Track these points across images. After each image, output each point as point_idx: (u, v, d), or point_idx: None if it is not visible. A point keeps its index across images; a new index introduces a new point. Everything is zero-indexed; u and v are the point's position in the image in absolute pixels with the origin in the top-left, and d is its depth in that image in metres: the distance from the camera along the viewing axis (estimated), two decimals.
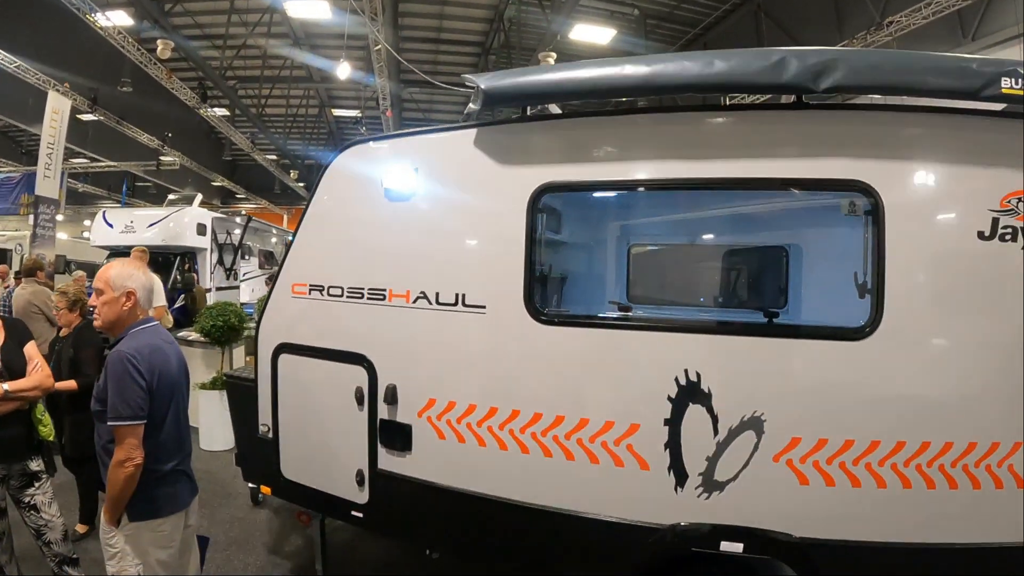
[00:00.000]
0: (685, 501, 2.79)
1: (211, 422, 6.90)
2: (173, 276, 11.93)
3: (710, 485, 2.77)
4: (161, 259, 11.87)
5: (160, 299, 7.54)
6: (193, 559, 3.23)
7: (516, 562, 3.32)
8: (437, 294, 3.19)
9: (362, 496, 3.51)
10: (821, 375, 2.71)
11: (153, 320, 2.98)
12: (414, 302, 3.26)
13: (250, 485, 5.40)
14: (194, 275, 12.15)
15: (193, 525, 3.15)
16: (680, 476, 2.79)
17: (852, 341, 2.67)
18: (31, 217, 13.16)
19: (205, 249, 12.55)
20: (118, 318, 2.84)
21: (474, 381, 3.16)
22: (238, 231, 14.18)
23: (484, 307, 3.08)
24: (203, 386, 7.01)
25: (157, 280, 4.74)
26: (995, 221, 2.58)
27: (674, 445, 2.77)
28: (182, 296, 11.30)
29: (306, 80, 20.04)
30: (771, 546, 2.76)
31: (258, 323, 3.93)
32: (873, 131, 2.77)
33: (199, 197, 13.47)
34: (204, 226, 12.55)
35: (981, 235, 2.59)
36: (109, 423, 2.66)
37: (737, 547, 2.77)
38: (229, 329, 6.84)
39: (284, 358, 3.75)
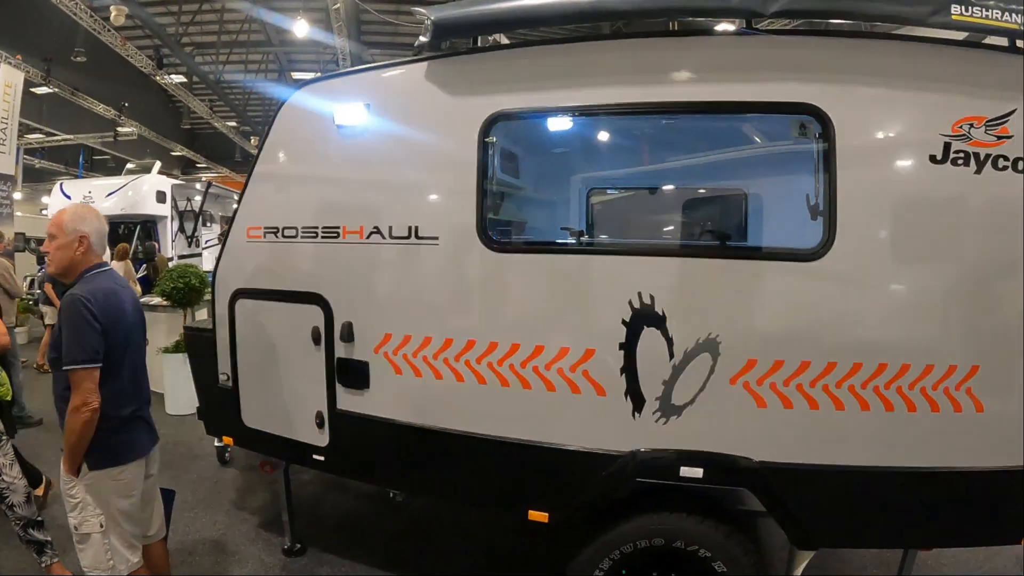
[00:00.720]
0: (643, 427, 2.82)
1: (176, 386, 6.88)
2: (134, 246, 11.73)
3: (668, 409, 2.80)
4: (122, 229, 11.68)
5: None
6: (157, 511, 3.23)
7: (477, 497, 3.37)
8: (390, 228, 3.18)
9: (322, 439, 3.52)
10: (775, 297, 2.74)
11: (107, 265, 2.94)
12: (368, 238, 3.25)
13: (216, 444, 5.48)
14: (155, 244, 11.95)
15: (155, 475, 3.16)
16: (637, 401, 2.82)
17: (805, 262, 2.70)
18: None
19: (165, 217, 12.37)
20: (71, 263, 2.81)
21: (429, 313, 3.17)
22: (199, 198, 13.95)
23: (437, 239, 3.07)
24: (166, 350, 6.99)
25: None
26: (947, 145, 2.61)
27: (630, 370, 2.80)
28: (143, 266, 11.14)
29: (265, 44, 19.65)
30: (731, 471, 2.81)
31: (214, 270, 3.91)
32: (823, 56, 2.78)
33: (158, 164, 13.25)
34: (163, 193, 12.34)
35: (933, 159, 2.62)
36: (64, 367, 2.63)
37: (697, 472, 2.81)
38: (190, 290, 6.78)
39: (241, 303, 3.74)
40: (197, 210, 13.77)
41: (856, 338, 2.71)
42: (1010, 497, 2.78)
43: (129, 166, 14.28)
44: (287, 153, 3.67)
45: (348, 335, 3.32)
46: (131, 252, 11.44)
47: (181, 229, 13.16)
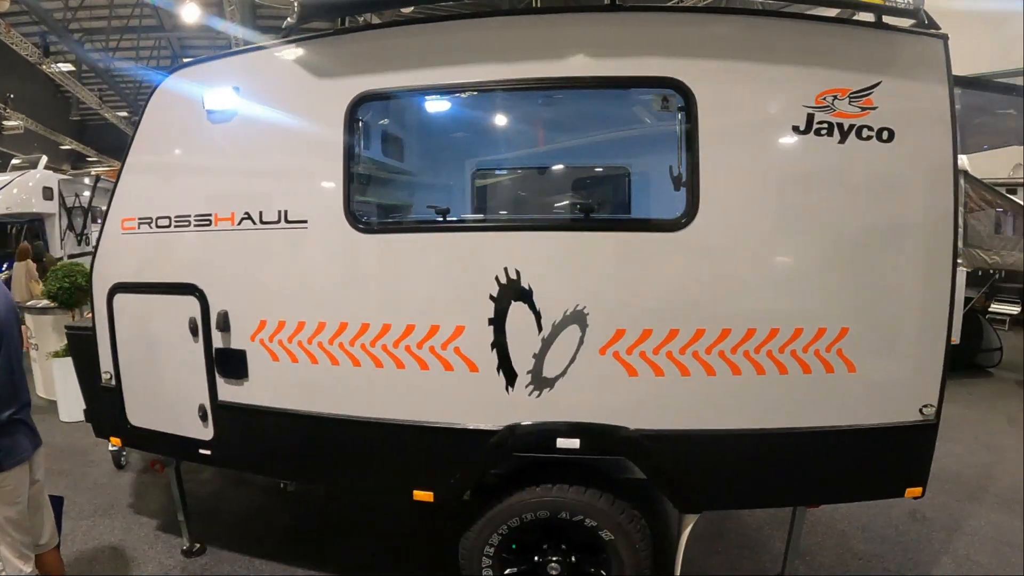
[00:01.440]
0: (517, 401, 2.93)
1: (68, 392, 6.63)
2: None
3: (540, 382, 2.91)
4: (10, 229, 11.13)
5: None
6: (48, 519, 3.17)
7: (361, 482, 3.43)
8: (261, 213, 3.18)
9: (207, 432, 3.51)
10: (641, 266, 2.87)
11: None
12: (239, 224, 3.24)
13: (110, 448, 5.37)
14: (42, 244, 11.42)
15: (42, 481, 3.09)
16: (510, 376, 2.92)
17: (669, 232, 2.84)
18: None
19: (53, 214, 11.78)
20: None
21: (301, 298, 3.19)
22: (88, 193, 13.35)
23: (306, 222, 3.10)
24: (56, 354, 6.73)
25: None
26: (810, 117, 2.78)
27: (500, 345, 2.90)
28: (6, 267, 10.62)
29: (157, 30, 18.94)
30: (608, 440, 2.95)
31: (91, 264, 3.83)
32: (686, 31, 2.91)
33: (44, 159, 12.58)
34: (51, 190, 11.75)
35: (796, 129, 2.78)
36: None
37: (574, 443, 2.94)
38: (77, 290, 6.55)
39: (119, 298, 3.67)
40: (86, 206, 13.17)
41: (723, 305, 2.87)
42: (889, 452, 3.03)
43: (14, 162, 13.47)
44: (159, 141, 3.60)
45: (224, 324, 3.32)
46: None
47: (70, 227, 12.57)
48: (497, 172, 4.54)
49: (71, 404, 6.60)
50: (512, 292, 2.86)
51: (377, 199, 3.97)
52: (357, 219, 3.03)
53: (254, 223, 3.22)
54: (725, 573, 3.97)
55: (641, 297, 2.87)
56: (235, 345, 3.33)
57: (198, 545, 4.24)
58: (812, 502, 3.35)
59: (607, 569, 3.22)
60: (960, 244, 7.45)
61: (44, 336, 7.43)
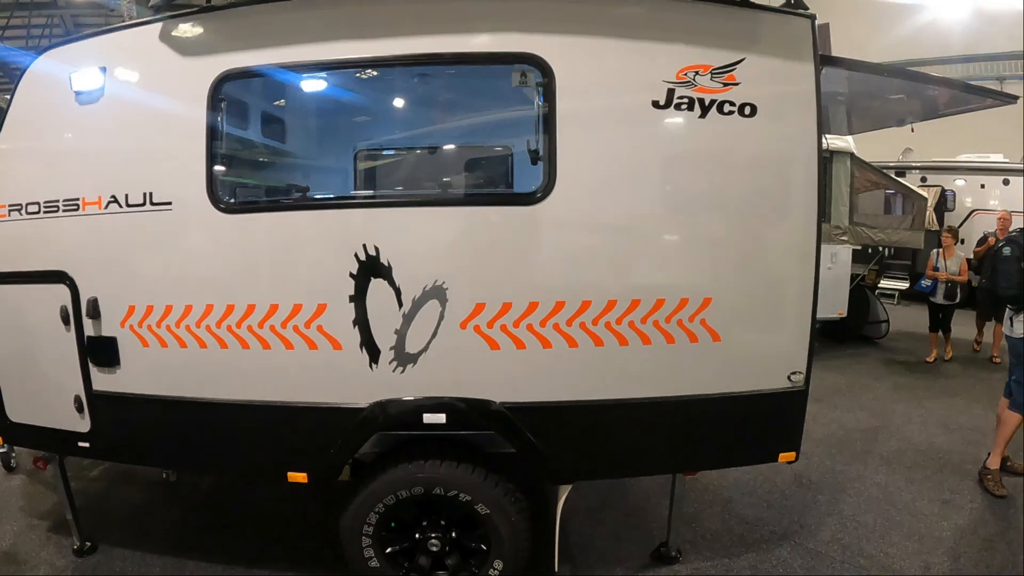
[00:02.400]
0: (382, 377, 3.01)
1: None
2: None
3: (403, 358, 3.00)
4: None
5: None
6: None
7: (236, 467, 3.49)
8: (127, 196, 3.19)
9: (84, 423, 3.52)
10: (498, 240, 2.97)
11: None
12: (106, 207, 3.25)
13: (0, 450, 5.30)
14: None
15: None
16: (373, 352, 3.00)
17: (527, 206, 2.94)
18: None
19: None
20: None
21: (167, 281, 3.22)
22: None
23: (171, 203, 3.12)
24: None
25: None
26: (670, 91, 2.89)
27: (362, 321, 2.97)
28: None
29: (48, 6, 18.34)
30: (473, 415, 3.06)
31: None
32: (546, 6, 2.99)
33: None
34: None
35: (656, 104, 2.90)
36: None
37: (440, 418, 3.04)
38: None
39: None
40: None
41: (583, 277, 2.98)
42: (759, 418, 3.18)
43: None
44: (29, 125, 3.56)
45: (94, 312, 3.33)
46: None
47: None
48: (383, 154, 4.60)
49: None
50: (371, 269, 2.94)
51: (250, 180, 4.00)
52: (219, 200, 3.06)
53: (120, 206, 3.23)
54: (611, 542, 4.11)
55: (499, 271, 2.98)
56: (106, 332, 3.34)
57: (88, 544, 4.22)
58: (686, 469, 3.48)
59: (486, 543, 3.32)
60: (846, 222, 7.81)
61: None
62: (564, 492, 3.29)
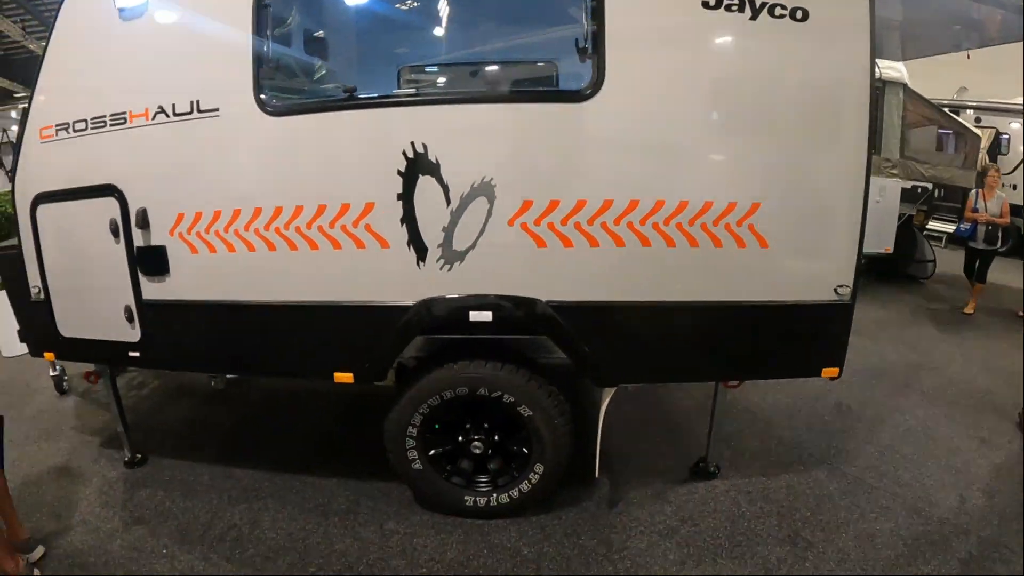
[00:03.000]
0: (429, 275, 3.08)
1: (8, 328, 6.73)
2: None
3: (450, 256, 3.06)
4: None
5: None
6: None
7: (285, 367, 3.60)
8: (173, 106, 3.26)
9: (134, 334, 3.65)
10: (547, 137, 2.99)
11: None
12: (153, 119, 3.32)
13: (51, 374, 5.52)
14: None
15: None
16: (420, 250, 3.07)
17: (575, 103, 2.95)
18: None
19: None
20: None
21: (215, 187, 3.31)
22: (15, 127, 13.09)
23: (217, 109, 3.19)
24: None
25: None
26: None
27: (410, 219, 3.04)
28: None
29: None
30: (519, 312, 3.11)
31: (12, 178, 3.90)
32: None
33: None
34: None
35: (705, 4, 2.86)
36: None
37: (486, 316, 3.11)
38: (7, 220, 6.58)
39: (42, 209, 3.75)
40: (14, 141, 12.96)
41: (631, 176, 2.99)
42: (804, 330, 3.19)
43: None
44: (73, 46, 3.63)
45: (143, 222, 3.42)
46: None
47: (0, 164, 12.36)
48: (426, 71, 4.61)
49: (10, 340, 6.70)
50: (419, 166, 2.99)
51: (296, 84, 4.04)
52: (266, 103, 3.12)
53: (167, 116, 3.30)
54: (650, 456, 4.19)
55: (547, 168, 3.01)
56: (155, 241, 3.44)
57: (139, 456, 4.42)
58: (727, 378, 3.52)
59: (528, 446, 3.42)
60: (897, 155, 7.66)
61: None
62: (607, 396, 3.35)
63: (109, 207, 3.50)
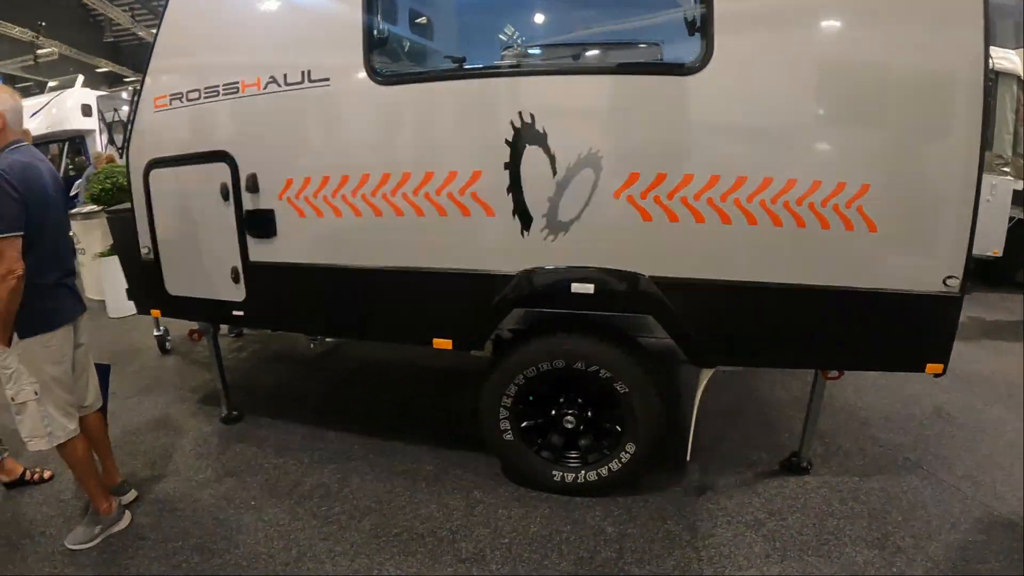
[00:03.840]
0: (533, 245, 3.11)
1: (115, 289, 7.13)
2: (64, 164, 11.73)
3: (555, 226, 3.08)
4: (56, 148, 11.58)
5: None
6: (92, 383, 3.51)
7: (385, 331, 3.69)
8: (285, 76, 3.37)
9: (239, 293, 3.81)
10: (654, 109, 2.96)
11: (24, 142, 3.09)
12: (265, 88, 3.44)
13: (155, 334, 5.81)
14: (84, 159, 11.92)
15: (86, 345, 3.42)
16: (525, 220, 3.09)
17: (683, 76, 2.91)
18: None
19: (93, 130, 12.23)
20: None
21: (324, 154, 3.42)
22: (127, 108, 13.70)
23: (328, 79, 3.28)
24: (103, 254, 7.20)
25: None
26: None
27: (516, 188, 3.06)
28: (77, 184, 11.13)
29: None
30: (621, 286, 3.09)
31: (126, 146, 4.09)
32: None
33: (81, 78, 12.99)
34: (89, 106, 12.20)
35: None
36: None
37: (588, 288, 3.09)
38: (119, 191, 6.89)
39: (154, 174, 3.94)
40: (127, 119, 13.57)
41: (739, 152, 2.92)
42: (909, 321, 3.04)
43: (51, 84, 13.96)
44: (187, 17, 3.80)
45: (253, 186, 3.56)
46: (61, 169, 11.47)
47: (111, 141, 12.98)
48: (529, 54, 4.62)
49: (118, 301, 7.12)
50: (527, 136, 3.00)
51: (406, 55, 4.12)
52: (376, 72, 3.19)
53: (279, 86, 3.41)
54: (741, 446, 4.14)
55: (654, 141, 2.97)
56: (263, 205, 3.58)
57: (235, 413, 4.62)
58: (829, 366, 3.40)
59: (621, 424, 3.42)
60: (1009, 152, 7.21)
61: (90, 240, 7.94)
62: (704, 378, 3.31)
63: (220, 172, 3.65)
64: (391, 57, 3.64)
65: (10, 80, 24.76)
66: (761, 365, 4.16)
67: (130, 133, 4.06)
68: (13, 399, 3.12)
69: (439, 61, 4.42)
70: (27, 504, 3.76)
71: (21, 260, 2.86)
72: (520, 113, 3.00)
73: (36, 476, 3.95)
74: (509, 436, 3.50)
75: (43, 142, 11.92)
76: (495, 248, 3.18)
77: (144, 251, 4.13)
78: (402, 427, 4.40)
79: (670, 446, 3.56)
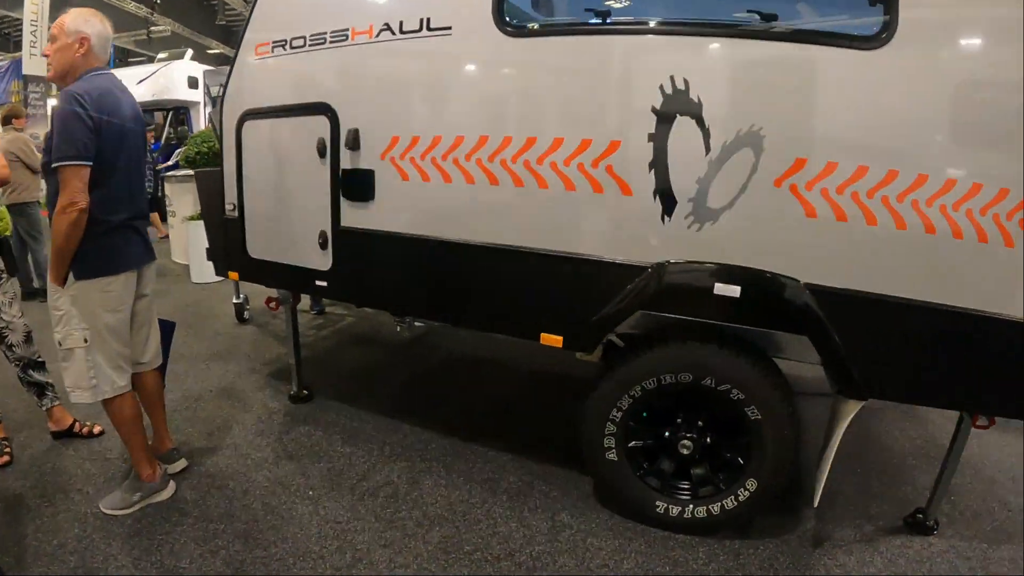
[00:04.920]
0: (674, 233, 2.59)
1: (201, 256, 7.04)
2: (166, 132, 11.90)
3: (702, 214, 2.55)
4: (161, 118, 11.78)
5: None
6: (153, 339, 3.22)
7: (486, 318, 3.23)
8: (401, 23, 3.00)
9: (325, 262, 3.46)
10: (829, 86, 2.41)
11: (108, 69, 2.84)
12: (377, 36, 3.08)
13: (234, 301, 5.62)
14: (186, 129, 12.11)
15: (150, 297, 3.13)
16: (668, 203, 2.58)
17: (864, 51, 2.35)
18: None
19: (198, 103, 12.38)
20: (71, 65, 2.73)
21: (439, 110, 3.01)
22: None
23: (450, 28, 2.87)
24: (191, 218, 7.15)
25: None
26: None
27: (660, 165, 2.56)
28: (177, 152, 11.24)
29: None
30: (772, 292, 2.54)
31: (222, 96, 3.83)
32: None
33: (190, 51, 13.23)
34: (195, 79, 12.36)
35: None
36: (53, 164, 2.57)
37: (734, 290, 2.55)
38: (215, 155, 6.78)
39: (248, 125, 3.68)
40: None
41: (922, 145, 2.32)
42: None
43: (160, 55, 14.25)
44: None
45: (354, 143, 3.20)
46: (163, 137, 11.62)
47: None
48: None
49: (202, 267, 7.06)
50: (678, 104, 2.51)
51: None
52: (506, 22, 2.76)
53: (393, 34, 3.04)
54: (862, 495, 3.55)
55: (827, 123, 2.42)
56: (363, 165, 3.21)
57: (306, 392, 4.30)
58: (989, 412, 2.74)
59: (745, 456, 2.88)
60: None
61: (182, 204, 7.92)
62: (851, 412, 2.72)
63: (319, 126, 3.32)
64: (523, 6, 3.22)
65: (122, 53, 25.97)
66: (916, 402, 3.48)
67: (227, 82, 3.77)
68: (60, 343, 2.83)
69: (579, 13, 3.96)
70: (70, 457, 3.51)
71: (86, 192, 2.58)
72: (672, 77, 2.51)
73: (86, 430, 3.73)
74: (613, 455, 3.00)
75: (147, 110, 12.13)
76: (629, 233, 2.68)
77: (228, 207, 3.86)
78: (486, 430, 3.95)
79: (788, 487, 3.07)
